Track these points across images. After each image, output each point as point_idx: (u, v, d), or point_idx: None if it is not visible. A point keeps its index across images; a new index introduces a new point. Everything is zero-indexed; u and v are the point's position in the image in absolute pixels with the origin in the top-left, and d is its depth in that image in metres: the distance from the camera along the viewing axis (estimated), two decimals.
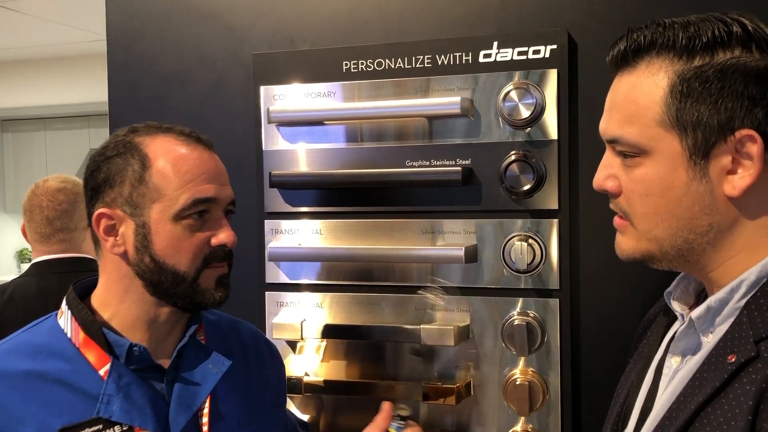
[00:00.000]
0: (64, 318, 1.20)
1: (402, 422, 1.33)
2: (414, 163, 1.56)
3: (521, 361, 1.51)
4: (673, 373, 0.98)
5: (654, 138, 0.92)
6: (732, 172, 0.91)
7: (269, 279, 1.67)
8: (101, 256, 1.23)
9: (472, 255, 1.51)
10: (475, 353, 1.54)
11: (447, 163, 1.53)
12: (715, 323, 0.94)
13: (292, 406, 1.62)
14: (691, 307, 1.03)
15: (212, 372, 1.22)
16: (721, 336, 0.92)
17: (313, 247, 1.63)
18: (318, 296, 1.64)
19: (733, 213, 0.92)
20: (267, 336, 1.65)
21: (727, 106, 0.89)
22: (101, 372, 1.14)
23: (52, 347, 1.17)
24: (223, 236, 1.21)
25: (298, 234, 1.65)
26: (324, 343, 1.63)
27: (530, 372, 1.50)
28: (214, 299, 1.22)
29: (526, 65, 1.48)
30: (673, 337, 1.01)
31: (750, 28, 0.90)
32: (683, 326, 0.98)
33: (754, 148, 0.89)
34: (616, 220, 1.00)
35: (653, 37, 0.93)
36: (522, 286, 1.51)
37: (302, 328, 1.60)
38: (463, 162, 1.53)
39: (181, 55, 1.75)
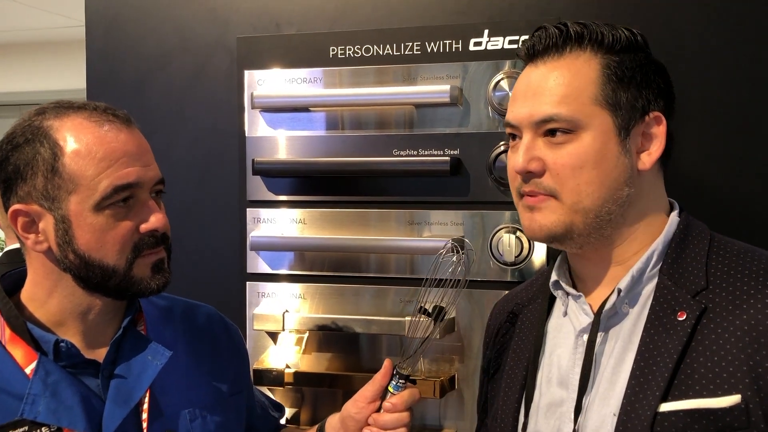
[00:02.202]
0: None
1: (402, 381, 1.26)
2: (401, 153, 1.53)
3: None
4: (597, 348, 1.07)
5: (590, 115, 1.03)
6: (640, 150, 1.06)
7: (250, 269, 1.63)
8: (26, 251, 1.15)
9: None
10: (460, 346, 1.52)
11: (435, 152, 1.51)
12: (636, 292, 1.06)
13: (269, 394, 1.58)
14: (578, 289, 1.12)
15: (152, 364, 1.14)
16: (649, 302, 1.04)
17: (296, 237, 1.59)
18: (300, 287, 1.61)
19: (641, 186, 1.06)
20: (249, 327, 1.61)
21: (645, 92, 1.05)
22: (27, 370, 1.07)
23: None
24: (153, 221, 1.11)
25: (281, 223, 1.61)
26: (306, 334, 1.60)
27: None
28: (150, 288, 1.13)
29: (516, 54, 1.46)
30: (599, 313, 1.07)
31: (644, 38, 1.09)
32: (613, 299, 1.06)
33: (660, 129, 1.06)
34: (532, 199, 1.07)
35: (582, 31, 1.06)
36: (508, 279, 1.49)
37: (284, 320, 1.57)
38: (452, 152, 1.50)
39: (163, 39, 1.71)
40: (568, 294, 1.13)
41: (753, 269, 1.01)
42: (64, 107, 1.12)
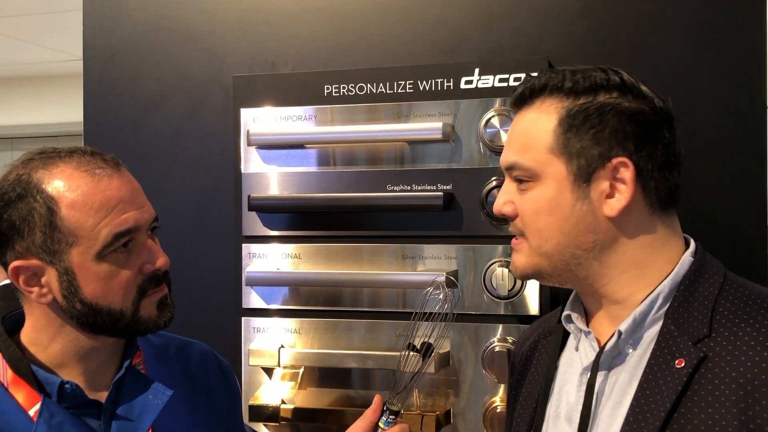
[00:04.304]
0: None
1: (392, 417, 1.27)
2: (395, 188, 1.55)
3: (501, 389, 1.50)
4: (599, 387, 1.06)
5: (544, 163, 1.05)
6: (610, 195, 1.04)
7: (246, 304, 1.64)
8: (25, 301, 1.14)
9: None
10: (455, 380, 1.53)
11: (428, 188, 1.53)
12: (640, 334, 1.04)
13: (265, 430, 1.59)
14: (589, 325, 1.12)
15: (153, 403, 1.14)
16: (652, 345, 1.03)
17: (292, 272, 1.61)
18: (296, 322, 1.61)
19: (614, 232, 1.05)
20: (244, 362, 1.62)
21: (605, 137, 1.03)
22: (31, 412, 1.07)
23: None
24: (156, 262, 1.13)
25: (277, 258, 1.63)
26: (301, 369, 1.60)
27: None
28: (158, 325, 1.15)
29: (507, 92, 1.49)
30: (600, 354, 1.06)
31: (625, 78, 1.06)
32: (613, 341, 1.05)
33: (627, 174, 1.03)
34: (513, 241, 1.12)
35: (546, 81, 1.07)
36: (502, 313, 1.50)
37: (279, 355, 1.58)
38: (444, 187, 1.52)
39: (160, 77, 1.73)
40: (580, 329, 1.12)
41: (759, 317, 0.98)
42: (50, 157, 1.12)
